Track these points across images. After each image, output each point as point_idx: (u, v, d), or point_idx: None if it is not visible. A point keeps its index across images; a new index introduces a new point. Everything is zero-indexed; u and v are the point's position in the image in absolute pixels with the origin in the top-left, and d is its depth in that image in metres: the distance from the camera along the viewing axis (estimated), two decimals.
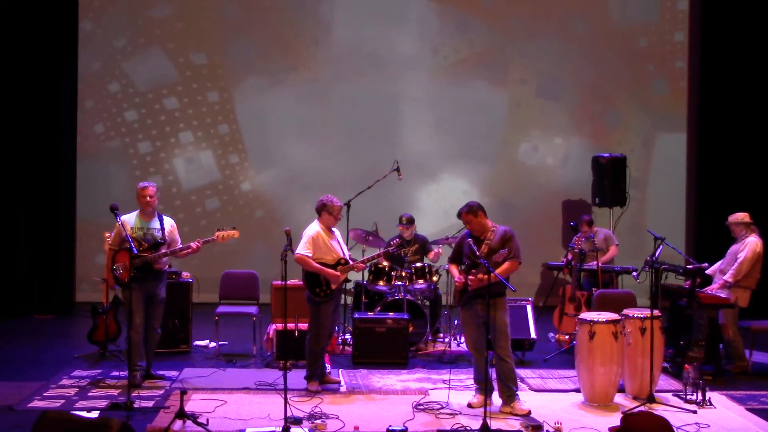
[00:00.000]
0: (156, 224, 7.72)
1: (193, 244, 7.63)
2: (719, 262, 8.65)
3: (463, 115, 12.32)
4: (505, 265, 6.86)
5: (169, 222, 7.84)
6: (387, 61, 12.25)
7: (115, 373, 7.94)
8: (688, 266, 8.49)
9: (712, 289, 8.37)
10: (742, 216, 8.58)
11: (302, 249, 7.45)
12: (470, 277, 6.91)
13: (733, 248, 8.51)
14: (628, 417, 5.75)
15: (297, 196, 12.06)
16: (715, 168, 11.77)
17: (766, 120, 11.59)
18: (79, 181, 11.82)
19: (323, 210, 7.60)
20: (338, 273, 7.50)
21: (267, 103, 12.22)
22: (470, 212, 7.05)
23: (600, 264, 9.67)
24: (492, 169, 12.43)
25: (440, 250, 9.53)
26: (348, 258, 7.70)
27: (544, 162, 12.44)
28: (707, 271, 8.62)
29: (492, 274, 6.65)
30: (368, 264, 8.02)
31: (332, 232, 7.67)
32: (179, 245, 7.76)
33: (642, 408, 7.03)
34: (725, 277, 8.35)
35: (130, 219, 7.67)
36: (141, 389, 7.35)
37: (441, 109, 12.33)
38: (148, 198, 7.68)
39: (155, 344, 7.88)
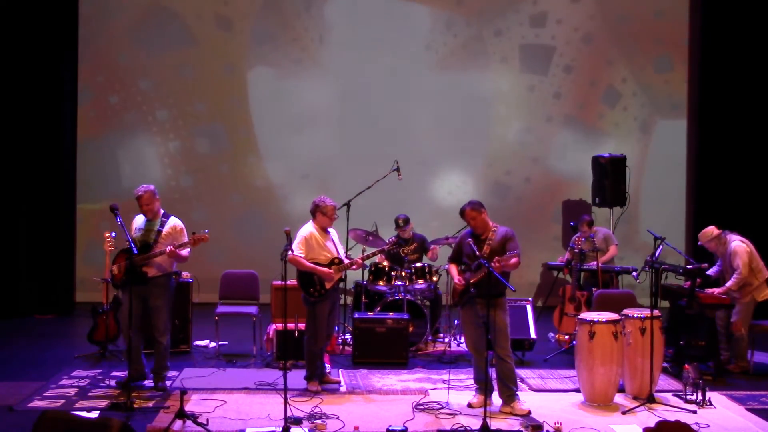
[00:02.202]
0: (156, 226, 7.49)
1: (167, 249, 7.38)
2: (716, 267, 8.64)
3: (458, 106, 12.34)
4: (513, 260, 6.82)
5: (170, 224, 7.54)
6: (384, 60, 12.28)
7: (115, 373, 7.93)
8: (688, 266, 8.49)
9: (715, 291, 8.36)
10: (710, 231, 8.54)
11: (294, 249, 7.44)
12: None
13: (724, 258, 8.50)
14: (663, 425, 5.66)
15: (295, 182, 12.25)
16: (716, 161, 11.71)
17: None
18: (79, 181, 11.81)
19: (317, 211, 7.61)
20: (331, 271, 7.49)
21: (274, 89, 12.24)
22: (474, 209, 7.05)
23: (600, 264, 9.66)
24: (490, 157, 12.41)
25: (438, 249, 9.54)
26: (343, 258, 7.70)
27: (539, 146, 12.41)
28: (709, 272, 8.61)
29: (493, 274, 6.66)
30: (365, 263, 8.00)
31: (327, 233, 7.67)
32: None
33: (642, 407, 7.04)
34: (728, 284, 8.34)
35: (138, 220, 7.57)
36: (141, 389, 7.37)
37: (438, 102, 12.34)
38: (144, 207, 7.46)
39: (161, 356, 7.55)
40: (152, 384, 7.54)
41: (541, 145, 12.44)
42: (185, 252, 7.47)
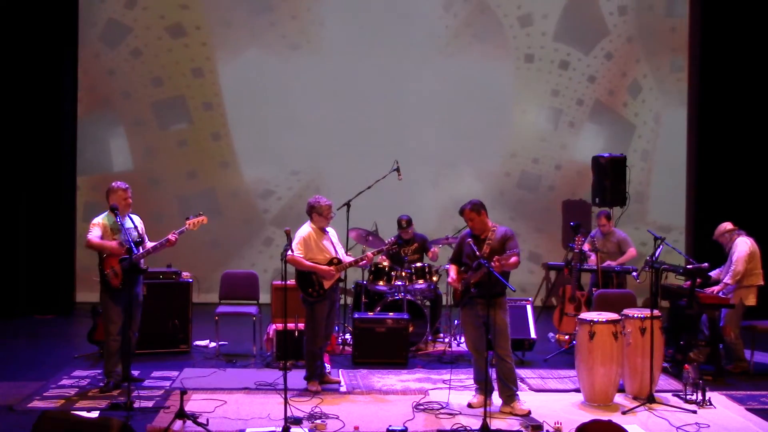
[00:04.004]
0: (129, 223, 7.41)
1: (172, 237, 7.39)
2: (721, 268, 8.65)
3: (467, 95, 12.10)
4: (513, 259, 6.83)
5: (138, 218, 7.59)
6: (386, 53, 12.04)
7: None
8: (688, 266, 8.49)
9: (714, 291, 8.36)
10: (724, 226, 8.66)
11: (294, 250, 7.43)
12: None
13: (729, 255, 8.53)
14: (584, 427, 5.55)
15: (284, 179, 12.13)
16: (716, 158, 11.80)
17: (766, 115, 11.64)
18: (79, 180, 11.80)
19: (312, 212, 7.61)
20: (332, 269, 7.50)
21: (266, 79, 12.06)
22: (473, 210, 7.04)
23: (600, 264, 9.66)
24: (514, 145, 12.21)
25: (438, 249, 9.53)
26: (342, 258, 7.70)
27: (569, 130, 12.25)
28: (711, 273, 8.61)
29: (492, 273, 6.66)
30: (364, 263, 7.99)
31: (325, 233, 7.68)
32: (147, 241, 7.55)
33: (642, 407, 7.04)
34: (724, 279, 8.37)
35: (106, 221, 7.41)
36: (141, 389, 7.37)
37: (444, 94, 12.12)
38: (130, 200, 7.45)
39: (134, 348, 7.63)
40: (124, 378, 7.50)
41: (572, 130, 12.27)
42: None
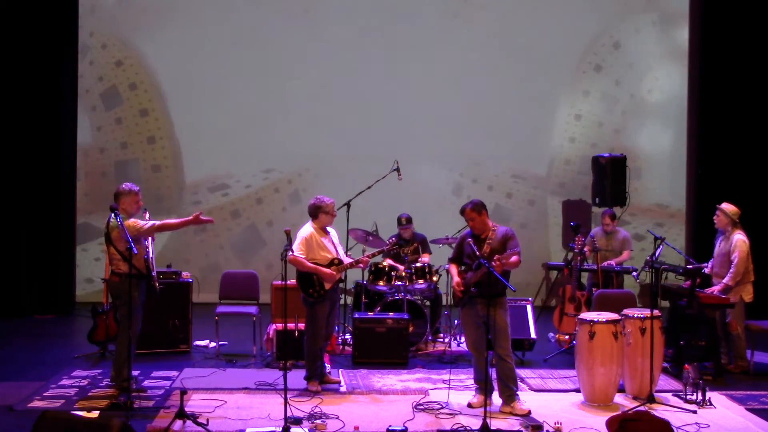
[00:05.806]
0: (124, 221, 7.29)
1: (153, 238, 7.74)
2: (710, 263, 8.64)
3: (476, 89, 12.01)
4: (513, 258, 6.83)
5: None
6: (387, 48, 11.89)
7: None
8: (688, 266, 8.48)
9: (714, 291, 8.36)
10: (735, 211, 8.46)
11: (295, 250, 7.43)
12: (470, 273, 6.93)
13: (721, 248, 8.48)
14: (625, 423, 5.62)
15: (248, 171, 11.96)
16: (718, 155, 11.88)
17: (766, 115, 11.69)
18: (79, 178, 11.79)
19: (319, 212, 7.59)
20: (333, 272, 7.50)
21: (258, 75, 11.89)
22: (474, 209, 7.05)
23: (602, 264, 9.66)
24: (570, 129, 12.30)
25: (428, 257, 9.46)
26: (343, 258, 7.70)
27: (622, 118, 12.44)
28: (705, 270, 8.62)
29: (493, 273, 6.66)
30: (361, 266, 7.98)
31: (327, 233, 7.68)
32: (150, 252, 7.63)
33: (642, 408, 7.04)
34: (725, 281, 8.33)
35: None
36: (142, 389, 7.37)
37: (449, 89, 11.99)
38: (141, 203, 7.41)
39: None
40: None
41: (624, 117, 12.42)
42: None
